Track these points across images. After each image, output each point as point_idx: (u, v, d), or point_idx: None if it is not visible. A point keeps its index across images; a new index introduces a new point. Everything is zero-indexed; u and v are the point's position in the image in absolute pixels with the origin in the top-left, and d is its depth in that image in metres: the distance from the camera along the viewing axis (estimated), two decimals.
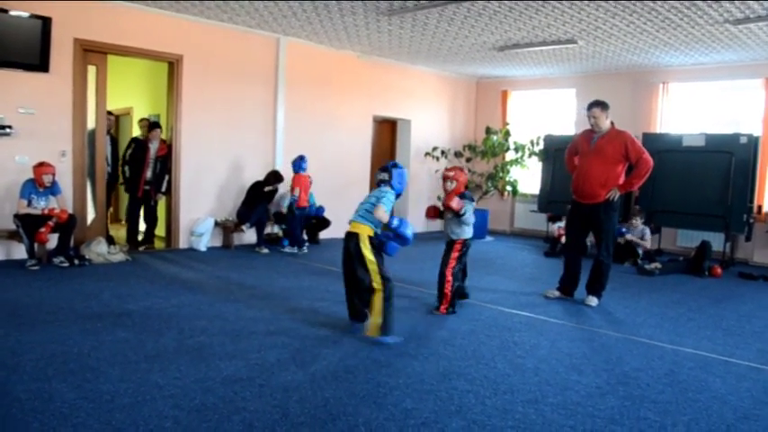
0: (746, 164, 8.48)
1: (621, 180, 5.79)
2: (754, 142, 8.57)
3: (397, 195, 4.65)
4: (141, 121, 8.91)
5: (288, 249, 8.40)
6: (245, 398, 3.29)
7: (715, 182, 8.69)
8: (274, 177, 8.43)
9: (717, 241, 8.70)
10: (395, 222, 4.46)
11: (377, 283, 4.39)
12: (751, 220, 8.64)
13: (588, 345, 4.63)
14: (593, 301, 5.92)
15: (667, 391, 3.70)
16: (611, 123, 5.84)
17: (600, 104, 5.77)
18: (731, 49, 8.26)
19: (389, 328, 4.39)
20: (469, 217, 5.36)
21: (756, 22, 6.84)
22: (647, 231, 8.81)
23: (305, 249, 8.38)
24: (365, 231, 4.45)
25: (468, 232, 5.46)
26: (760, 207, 9.01)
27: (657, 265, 8.00)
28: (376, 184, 4.74)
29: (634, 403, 3.46)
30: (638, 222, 8.75)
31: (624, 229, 8.70)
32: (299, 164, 8.30)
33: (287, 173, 8.57)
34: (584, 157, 5.88)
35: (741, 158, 8.48)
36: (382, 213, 4.40)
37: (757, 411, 3.43)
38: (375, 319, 4.39)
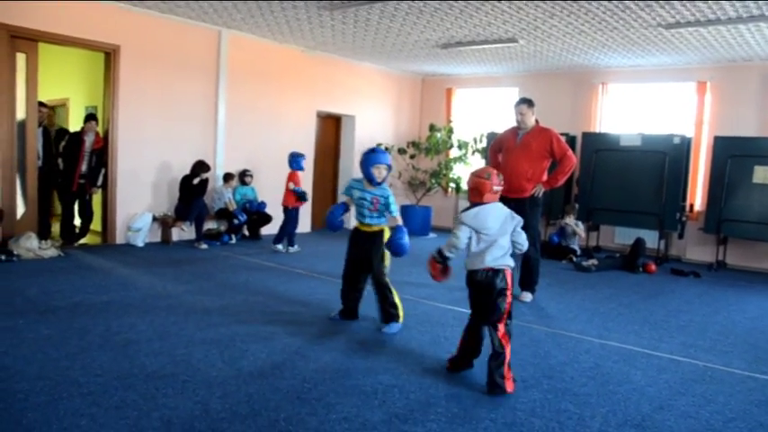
0: (679, 164, 8.76)
1: (545, 176, 5.93)
2: (686, 143, 8.87)
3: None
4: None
5: (280, 247, 8.25)
6: (167, 394, 3.23)
7: (650, 181, 8.95)
8: (200, 167, 8.29)
9: (651, 238, 8.95)
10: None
11: None
12: (684, 218, 8.93)
13: (518, 339, 4.66)
14: (527, 296, 6.02)
15: (590, 383, 3.79)
16: (536, 121, 5.98)
17: (527, 102, 5.94)
18: (666, 52, 8.51)
19: None
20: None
21: (686, 27, 7.05)
22: (580, 223, 9.02)
23: (291, 249, 8.26)
24: None
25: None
26: (692, 206, 9.32)
27: (594, 261, 8.19)
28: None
29: (556, 396, 3.53)
30: (570, 219, 8.96)
31: (557, 238, 8.94)
32: (291, 161, 8.16)
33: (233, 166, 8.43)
34: (510, 153, 6.00)
35: (674, 158, 8.76)
36: None
37: (672, 402, 3.55)
38: None
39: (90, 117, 7.91)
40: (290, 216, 8.20)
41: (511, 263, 3.69)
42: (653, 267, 8.24)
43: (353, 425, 2.97)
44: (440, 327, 4.88)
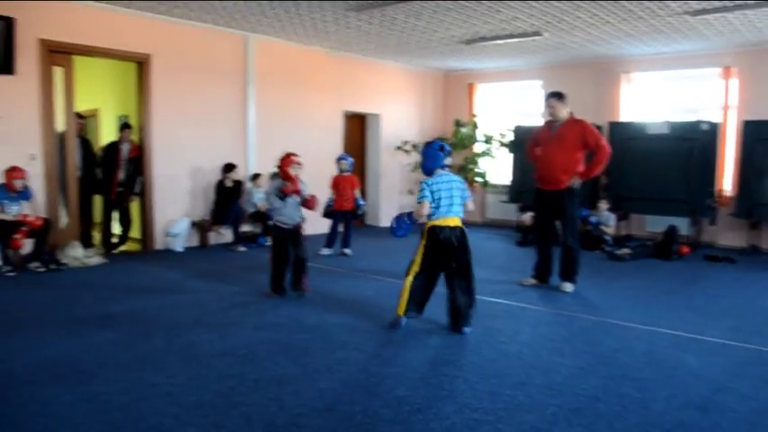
0: (708, 150, 8.79)
1: (581, 167, 5.99)
2: (714, 129, 8.88)
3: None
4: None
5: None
6: (241, 392, 3.34)
7: (679, 168, 8.97)
8: (226, 169, 8.45)
9: (683, 225, 8.96)
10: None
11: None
12: (714, 205, 8.95)
13: (567, 329, 4.79)
14: (568, 287, 6.09)
15: (646, 369, 3.86)
16: (570, 113, 6.05)
17: (556, 95, 6.03)
18: (690, 39, 8.52)
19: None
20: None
21: (713, 14, 7.07)
22: (612, 217, 9.08)
23: (326, 251, 8.10)
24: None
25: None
26: (722, 191, 9.31)
27: (627, 250, 8.23)
28: (441, 167, 4.72)
29: (615, 382, 3.61)
30: (603, 207, 9.02)
31: (586, 212, 8.96)
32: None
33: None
34: (545, 146, 6.09)
35: (703, 145, 8.78)
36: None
37: (730, 384, 3.62)
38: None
39: (125, 126, 8.08)
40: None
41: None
42: (686, 249, 8.34)
43: (427, 416, 3.08)
44: (489, 319, 4.97)
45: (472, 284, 4.60)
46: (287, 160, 5.62)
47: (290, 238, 5.65)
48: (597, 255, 8.42)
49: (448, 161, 4.76)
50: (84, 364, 3.75)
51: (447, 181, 4.62)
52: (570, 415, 3.14)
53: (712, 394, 3.46)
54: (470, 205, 4.78)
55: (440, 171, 4.67)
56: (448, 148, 4.80)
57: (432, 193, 4.53)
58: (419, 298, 4.65)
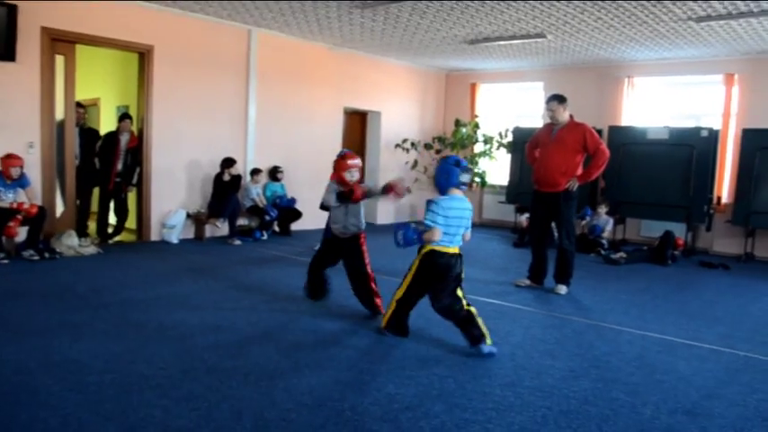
0: (707, 157, 8.80)
1: (580, 170, 6.01)
2: (714, 136, 8.89)
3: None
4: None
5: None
6: (232, 386, 3.34)
7: (677, 174, 8.99)
8: (224, 164, 8.44)
9: (679, 231, 8.96)
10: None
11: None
12: (711, 211, 8.96)
13: (560, 331, 4.80)
14: (562, 289, 6.10)
15: (636, 373, 3.87)
16: (570, 116, 6.07)
17: (557, 98, 6.04)
18: (693, 45, 8.52)
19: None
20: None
21: (717, 20, 7.08)
22: (610, 222, 9.10)
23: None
24: None
25: None
26: (719, 198, 9.32)
27: (623, 254, 8.25)
28: (457, 185, 4.09)
29: (606, 385, 3.62)
30: (602, 212, 9.04)
31: (590, 212, 9.02)
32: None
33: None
34: (544, 148, 6.11)
35: (702, 151, 8.79)
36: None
37: (720, 390, 3.63)
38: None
39: (124, 116, 8.06)
40: None
41: None
42: (681, 241, 8.67)
43: (417, 414, 3.08)
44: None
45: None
46: (343, 164, 4.74)
47: (344, 248, 4.91)
48: (592, 258, 8.44)
49: (465, 178, 4.10)
50: (75, 353, 3.74)
51: (460, 208, 4.06)
52: (559, 417, 3.14)
53: (701, 400, 3.46)
54: (468, 235, 4.21)
55: (455, 192, 4.09)
56: (464, 163, 4.13)
57: (445, 218, 3.99)
58: (403, 320, 4.37)
